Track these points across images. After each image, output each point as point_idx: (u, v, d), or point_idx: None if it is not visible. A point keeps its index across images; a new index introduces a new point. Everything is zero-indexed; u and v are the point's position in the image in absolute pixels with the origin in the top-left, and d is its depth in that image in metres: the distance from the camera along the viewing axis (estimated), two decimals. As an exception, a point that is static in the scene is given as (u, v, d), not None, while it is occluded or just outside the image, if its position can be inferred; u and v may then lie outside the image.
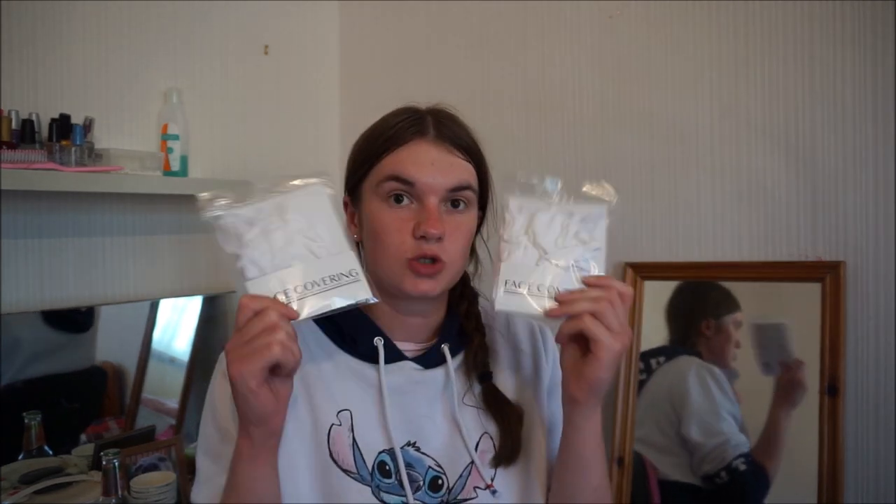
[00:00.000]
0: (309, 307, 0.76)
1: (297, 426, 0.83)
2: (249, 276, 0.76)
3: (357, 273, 0.78)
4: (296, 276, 0.76)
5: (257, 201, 0.79)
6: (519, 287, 0.78)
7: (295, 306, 0.75)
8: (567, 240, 0.80)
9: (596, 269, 0.80)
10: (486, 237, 0.97)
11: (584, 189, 0.82)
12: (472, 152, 0.90)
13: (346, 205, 0.94)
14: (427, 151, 0.86)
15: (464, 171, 0.87)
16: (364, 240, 0.89)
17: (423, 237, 0.82)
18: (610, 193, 0.82)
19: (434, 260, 0.83)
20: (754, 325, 1.46)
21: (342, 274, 0.77)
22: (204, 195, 0.79)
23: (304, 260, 0.77)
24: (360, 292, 0.78)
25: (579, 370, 0.78)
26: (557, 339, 0.80)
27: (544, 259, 0.79)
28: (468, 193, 0.87)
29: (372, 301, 0.78)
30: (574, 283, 0.78)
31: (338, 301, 0.77)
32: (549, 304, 0.78)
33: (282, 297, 0.75)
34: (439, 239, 0.83)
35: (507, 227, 0.82)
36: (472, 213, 0.89)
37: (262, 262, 0.76)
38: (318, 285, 0.77)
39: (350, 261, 0.78)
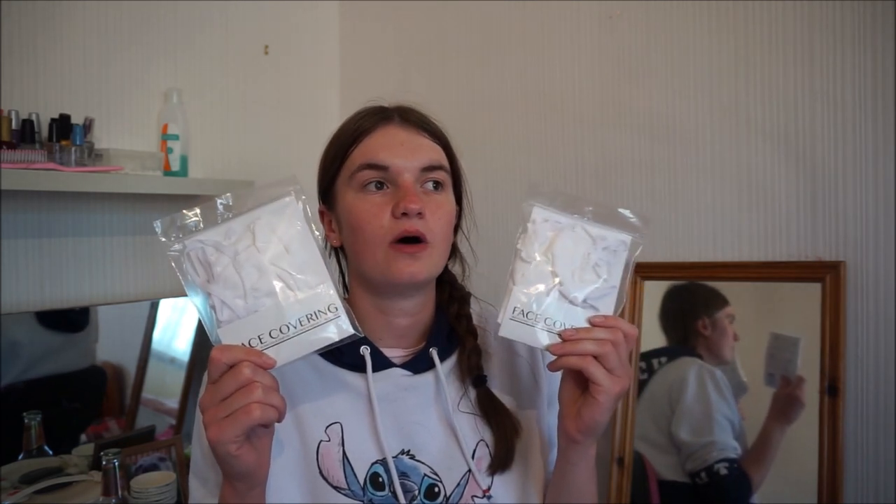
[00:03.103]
0: (287, 352, 0.71)
1: (283, 445, 0.82)
2: (222, 318, 0.71)
3: (336, 308, 0.73)
4: (271, 319, 0.71)
5: (224, 221, 0.72)
6: (526, 316, 0.76)
7: (272, 353, 0.70)
8: (585, 272, 0.77)
9: (606, 309, 0.78)
10: (467, 232, 0.96)
11: (619, 210, 0.79)
12: (439, 137, 0.89)
13: (322, 214, 0.92)
14: (395, 134, 0.86)
15: (434, 151, 0.86)
16: (344, 239, 0.87)
17: (403, 214, 0.80)
18: (640, 224, 0.79)
19: (417, 239, 0.81)
20: (772, 335, 1.43)
21: (320, 311, 0.72)
22: (160, 222, 0.72)
23: (279, 298, 0.71)
24: (340, 329, 0.73)
25: (577, 410, 0.77)
26: (549, 368, 0.78)
27: (558, 289, 0.77)
28: (442, 174, 0.86)
29: (356, 336, 0.74)
30: (581, 320, 0.77)
31: (317, 343, 0.72)
32: (553, 339, 0.76)
33: (256, 344, 0.70)
34: (420, 215, 0.81)
35: (526, 241, 0.78)
36: (450, 195, 0.88)
37: (235, 304, 0.71)
38: (296, 327, 0.71)
39: (329, 293, 0.73)
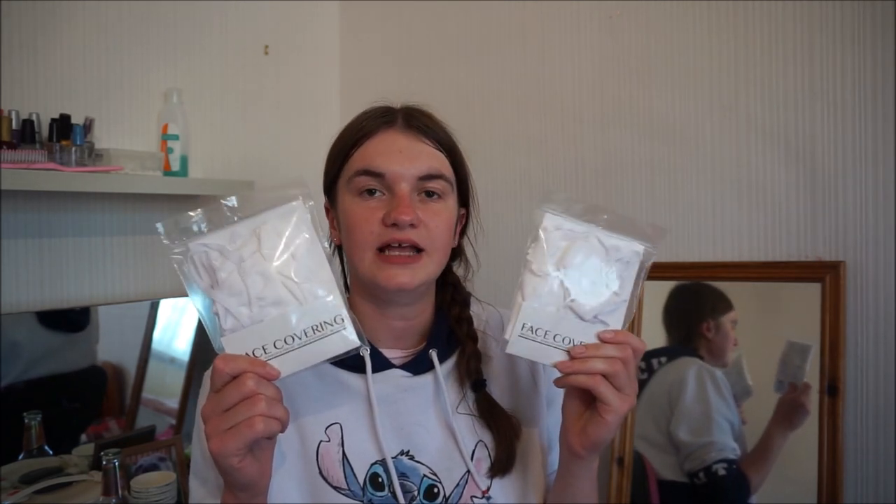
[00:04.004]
0: (291, 363, 0.69)
1: (284, 446, 0.82)
2: (226, 326, 0.69)
3: (342, 319, 0.71)
4: (276, 330, 0.69)
5: (229, 225, 0.70)
6: (535, 332, 0.74)
7: (276, 363, 0.69)
8: (597, 286, 0.75)
9: (616, 323, 0.76)
10: (474, 238, 0.96)
11: (634, 219, 0.77)
12: (443, 143, 0.88)
13: (327, 210, 0.92)
14: (395, 140, 0.84)
15: (434, 159, 0.85)
16: (342, 240, 0.87)
17: (394, 225, 0.79)
18: (655, 234, 0.76)
19: (413, 248, 0.81)
20: (788, 342, 1.41)
21: (326, 322, 0.70)
22: (164, 223, 0.70)
23: (284, 308, 0.70)
24: (346, 341, 0.71)
25: (582, 426, 0.76)
26: (556, 384, 0.77)
27: (568, 305, 0.75)
28: (441, 183, 0.84)
29: (362, 349, 0.73)
30: (590, 336, 0.75)
31: (323, 354, 0.71)
32: (563, 356, 0.75)
33: (260, 354, 0.69)
34: (412, 226, 0.80)
35: (537, 251, 0.75)
36: (450, 203, 0.86)
37: (240, 313, 0.69)
38: (300, 338, 0.70)
39: (335, 304, 0.71)
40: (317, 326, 0.70)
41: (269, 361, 0.69)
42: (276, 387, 0.69)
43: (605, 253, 0.76)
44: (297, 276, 0.71)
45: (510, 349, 0.75)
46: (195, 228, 0.70)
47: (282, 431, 0.70)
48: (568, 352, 0.74)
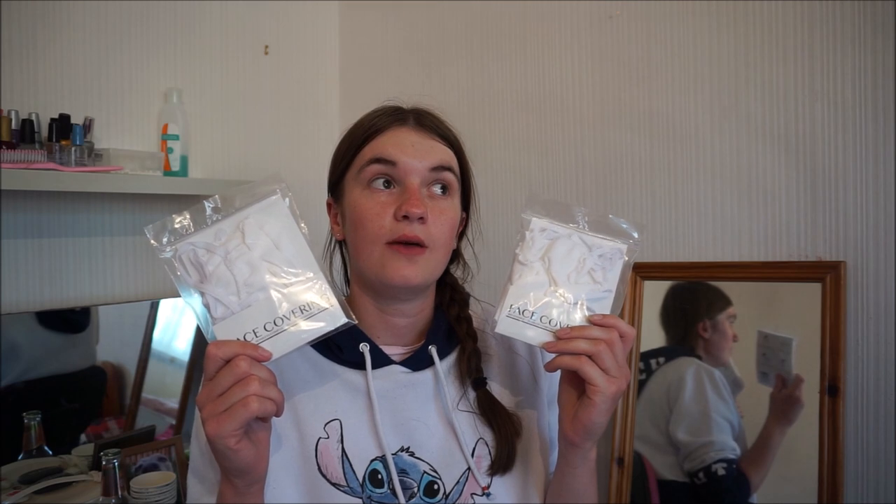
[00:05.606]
0: (282, 344, 0.72)
1: (281, 441, 0.82)
2: (216, 315, 0.72)
3: (328, 298, 0.74)
4: (264, 313, 0.72)
5: (214, 223, 0.73)
6: (523, 314, 0.78)
7: (267, 346, 0.71)
8: (581, 276, 0.79)
9: (602, 311, 0.79)
10: (472, 240, 0.97)
11: (610, 217, 0.80)
12: (452, 143, 0.90)
13: (329, 206, 0.93)
14: (407, 135, 0.86)
15: (444, 154, 0.87)
16: (346, 234, 0.88)
17: (405, 217, 0.81)
18: (631, 231, 0.80)
19: (416, 243, 0.82)
20: (761, 334, 1.44)
21: (313, 302, 0.73)
22: (151, 227, 0.73)
23: (271, 291, 0.72)
24: (334, 319, 0.74)
25: (575, 412, 0.78)
26: (546, 368, 0.79)
27: (554, 290, 0.78)
28: (450, 176, 0.86)
29: (350, 324, 0.74)
30: (578, 320, 0.78)
31: (312, 333, 0.73)
32: (549, 337, 0.77)
33: (251, 338, 0.71)
34: (421, 220, 0.81)
35: (523, 247, 0.80)
36: (456, 201, 0.88)
37: (229, 300, 0.72)
38: (289, 319, 0.72)
39: (320, 284, 0.74)
40: (304, 307, 0.73)
41: (260, 344, 0.71)
42: (268, 369, 0.71)
43: (588, 249, 0.79)
44: (282, 262, 0.74)
45: (498, 328, 0.78)
46: (181, 230, 0.73)
47: (277, 415, 0.71)
48: (555, 333, 0.77)
